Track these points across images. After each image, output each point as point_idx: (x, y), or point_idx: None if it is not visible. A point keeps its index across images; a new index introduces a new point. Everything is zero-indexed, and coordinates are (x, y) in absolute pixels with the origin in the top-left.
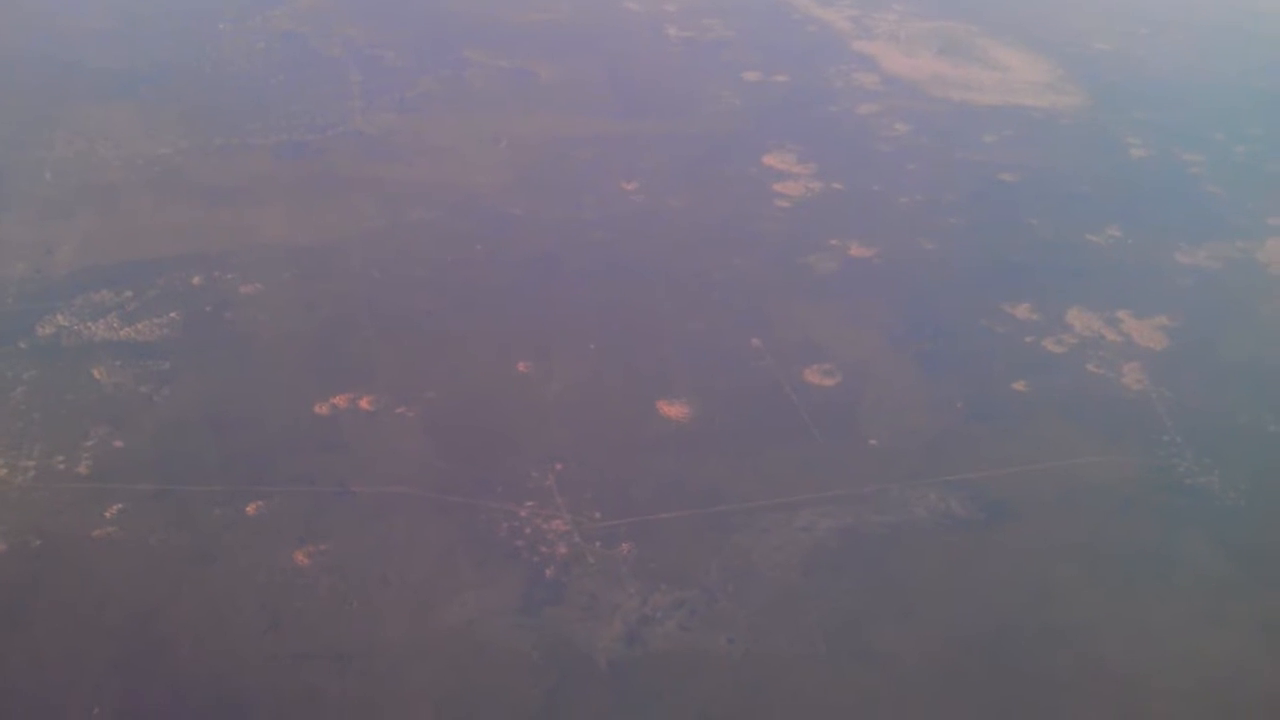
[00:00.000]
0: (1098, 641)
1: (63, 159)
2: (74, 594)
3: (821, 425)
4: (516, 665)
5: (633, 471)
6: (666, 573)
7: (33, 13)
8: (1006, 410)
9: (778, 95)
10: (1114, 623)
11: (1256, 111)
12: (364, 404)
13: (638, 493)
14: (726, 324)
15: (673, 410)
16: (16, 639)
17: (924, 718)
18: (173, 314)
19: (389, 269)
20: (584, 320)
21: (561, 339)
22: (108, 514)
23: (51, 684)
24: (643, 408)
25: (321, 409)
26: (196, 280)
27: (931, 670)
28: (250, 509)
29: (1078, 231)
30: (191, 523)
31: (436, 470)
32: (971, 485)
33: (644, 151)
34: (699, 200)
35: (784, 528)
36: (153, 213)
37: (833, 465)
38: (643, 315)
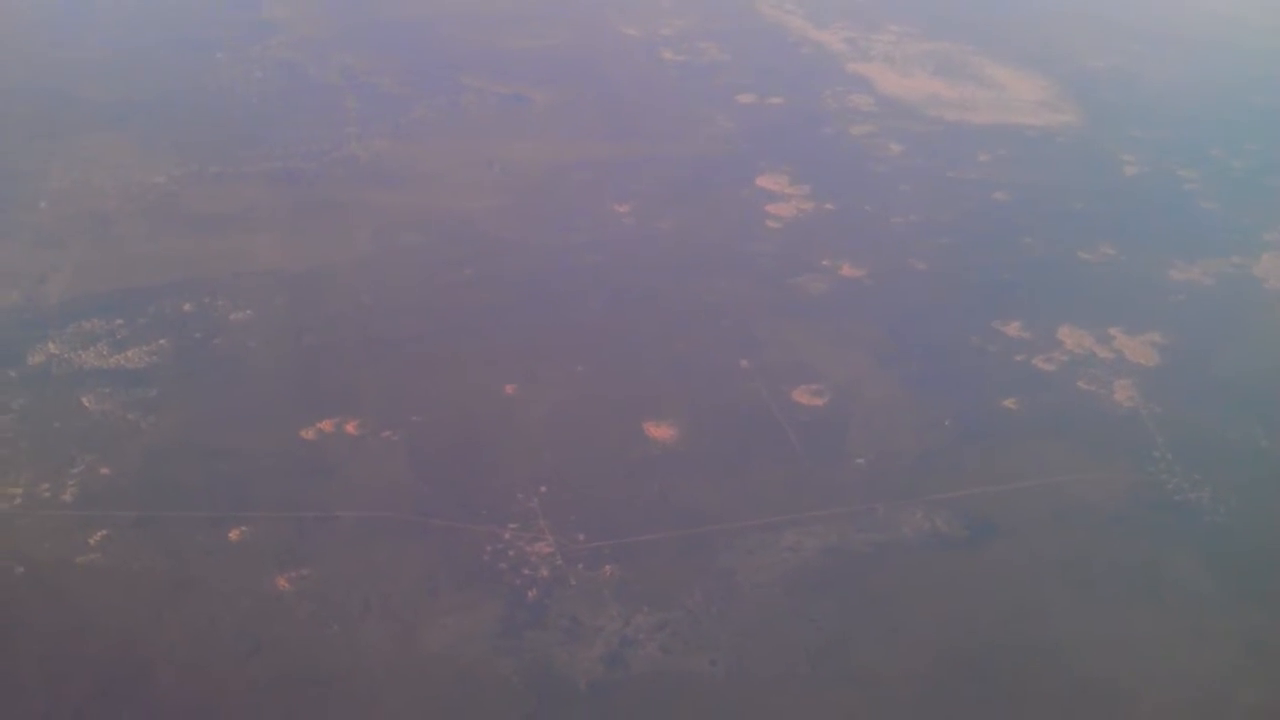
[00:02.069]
0: (1084, 659)
1: (59, 188)
2: (56, 621)
3: (809, 445)
4: (497, 690)
5: (618, 493)
6: (649, 594)
7: (32, 45)
8: (996, 429)
9: (772, 117)
10: (1101, 640)
11: (1253, 127)
12: (350, 429)
13: (622, 514)
14: (715, 345)
15: (659, 431)
16: None
17: None
18: (162, 341)
19: (379, 294)
20: (572, 342)
21: (549, 361)
22: (92, 541)
23: (33, 711)
24: (629, 429)
25: (308, 434)
26: (187, 308)
27: (916, 690)
28: (233, 535)
29: (1071, 249)
30: (174, 549)
31: (420, 494)
32: (959, 504)
33: (637, 174)
34: (691, 222)
35: (769, 548)
36: (146, 241)
37: (819, 485)
38: (632, 337)
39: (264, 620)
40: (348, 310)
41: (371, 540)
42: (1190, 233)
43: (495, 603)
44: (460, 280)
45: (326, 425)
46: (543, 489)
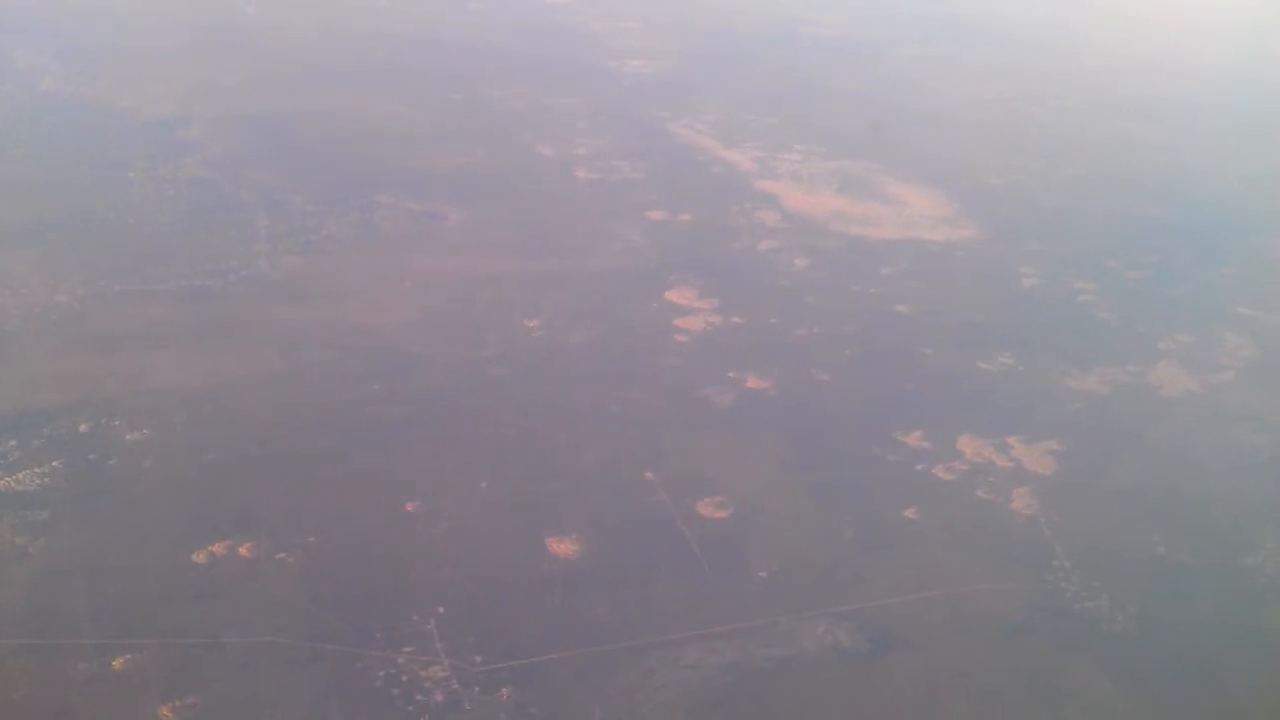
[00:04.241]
0: None
1: None
2: None
3: (712, 558)
4: None
5: (517, 612)
6: (547, 718)
7: None
8: (896, 539)
9: (682, 233)
10: None
11: (1149, 239)
12: (243, 551)
13: (521, 634)
14: (620, 458)
15: (562, 547)
16: None
17: None
18: (56, 463)
19: (282, 411)
20: (477, 457)
21: (453, 476)
22: None
23: None
24: (531, 545)
25: (199, 557)
26: (83, 428)
27: None
28: (117, 663)
29: (970, 360)
30: (56, 678)
31: (313, 618)
32: (860, 616)
33: (548, 289)
34: (600, 336)
35: (670, 666)
36: (46, 360)
37: (722, 599)
38: (537, 451)
39: None
40: (249, 428)
41: (260, 667)
42: (1086, 342)
43: None
44: (366, 395)
45: (219, 548)
46: (440, 609)
